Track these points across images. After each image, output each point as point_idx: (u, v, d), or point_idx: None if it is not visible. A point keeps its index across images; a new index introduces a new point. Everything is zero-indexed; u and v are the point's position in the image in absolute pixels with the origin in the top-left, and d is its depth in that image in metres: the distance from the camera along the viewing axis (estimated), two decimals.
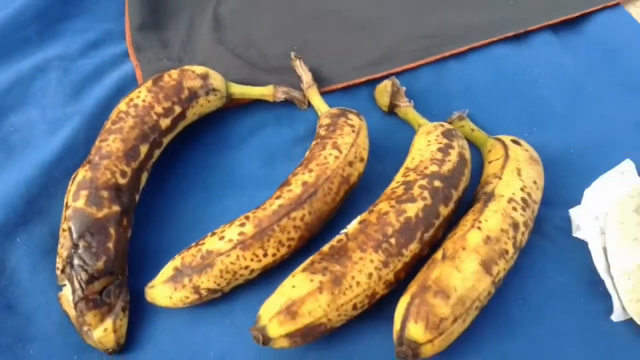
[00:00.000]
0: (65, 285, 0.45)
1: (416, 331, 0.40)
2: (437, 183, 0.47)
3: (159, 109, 0.52)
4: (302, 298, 0.41)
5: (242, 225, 0.45)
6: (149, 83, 0.53)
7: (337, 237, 0.45)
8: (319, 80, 0.62)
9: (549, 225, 0.53)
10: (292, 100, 0.60)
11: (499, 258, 0.44)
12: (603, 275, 0.48)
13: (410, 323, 0.40)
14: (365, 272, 0.42)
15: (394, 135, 0.59)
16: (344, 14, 0.70)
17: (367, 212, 0.46)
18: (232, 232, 0.45)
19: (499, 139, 0.55)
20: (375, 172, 0.54)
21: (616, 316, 0.47)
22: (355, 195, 0.52)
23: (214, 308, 0.46)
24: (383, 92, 0.61)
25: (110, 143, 0.49)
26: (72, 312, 0.44)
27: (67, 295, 0.45)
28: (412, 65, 0.65)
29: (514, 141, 0.55)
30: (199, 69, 0.55)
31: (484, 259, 0.44)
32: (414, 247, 0.44)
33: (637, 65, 0.66)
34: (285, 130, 0.58)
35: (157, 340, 0.45)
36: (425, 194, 0.46)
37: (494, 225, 0.46)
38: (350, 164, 0.49)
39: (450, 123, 0.59)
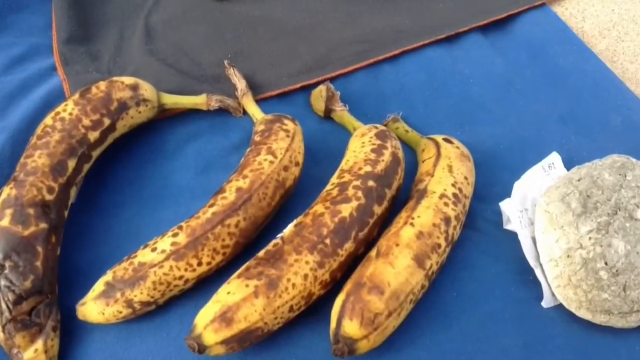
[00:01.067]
0: None
1: (351, 328, 0.41)
2: (370, 183, 0.48)
3: (86, 121, 0.51)
4: (238, 303, 0.41)
5: (175, 235, 0.44)
6: (76, 96, 0.52)
7: (273, 241, 0.45)
8: (254, 87, 0.62)
9: (481, 219, 0.54)
10: (226, 108, 0.60)
11: (431, 252, 0.45)
12: (532, 263, 0.50)
13: (346, 320, 0.41)
14: (300, 273, 0.42)
15: (331, 139, 0.60)
16: (277, 21, 0.70)
17: (302, 215, 0.46)
18: (164, 242, 0.44)
19: (431, 139, 0.57)
20: (312, 177, 0.54)
21: (546, 302, 0.49)
22: (292, 200, 0.52)
23: (149, 321, 0.45)
24: (318, 97, 0.61)
25: (36, 159, 0.48)
26: (0, 335, 0.43)
27: None
28: (346, 70, 0.66)
29: (445, 139, 0.56)
30: (128, 80, 0.54)
31: (416, 253, 0.44)
32: (349, 246, 0.45)
33: (561, 62, 0.69)
34: (220, 139, 0.58)
35: (91, 358, 0.43)
36: (359, 194, 0.47)
37: (426, 221, 0.47)
38: (286, 168, 0.49)
39: (385, 125, 0.60)
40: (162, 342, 0.44)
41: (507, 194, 0.55)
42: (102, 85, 0.53)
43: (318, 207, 0.46)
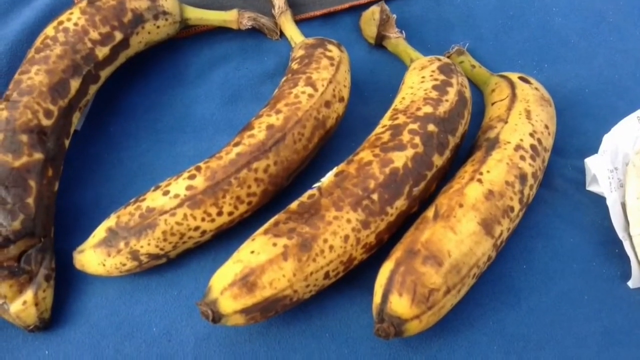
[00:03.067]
0: None
1: (400, 305, 0.33)
2: (431, 127, 0.39)
3: (94, 34, 0.43)
4: (262, 266, 0.33)
5: (192, 177, 0.37)
6: (84, 3, 0.44)
7: (309, 192, 0.37)
8: (294, 5, 0.55)
9: (559, 177, 0.46)
10: (260, 28, 0.53)
11: (502, 216, 0.37)
12: (621, 235, 0.42)
13: (394, 295, 0.33)
14: (340, 234, 0.35)
15: (382, 71, 0.53)
16: None
17: (345, 163, 0.38)
18: (179, 185, 0.37)
19: (504, 77, 0.48)
20: (359, 116, 0.47)
21: (634, 282, 0.41)
22: (334, 143, 0.45)
23: (158, 277, 0.38)
24: (370, 20, 0.53)
25: (33, 76, 0.40)
26: None
27: None
28: None
29: (522, 79, 0.47)
30: None
31: (484, 217, 0.36)
32: (400, 203, 0.37)
33: None
34: (252, 64, 0.51)
35: (89, 314, 0.37)
36: (417, 140, 0.38)
37: (497, 178, 0.38)
38: (327, 104, 0.41)
39: (450, 56, 0.51)
40: (172, 301, 0.37)
41: (592, 148, 0.46)
42: None
43: (365, 154, 0.38)
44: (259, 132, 0.38)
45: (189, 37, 0.52)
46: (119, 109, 0.48)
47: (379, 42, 0.53)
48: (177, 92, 0.49)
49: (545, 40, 0.55)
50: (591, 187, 0.45)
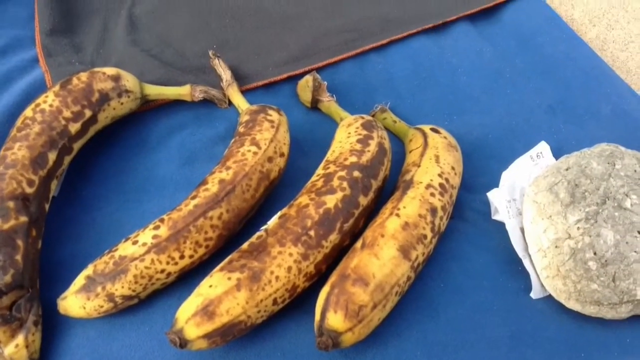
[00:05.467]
0: None
1: (335, 320, 0.40)
2: (356, 173, 0.47)
3: (67, 113, 0.50)
4: (219, 297, 0.40)
5: (157, 228, 0.44)
6: (57, 87, 0.51)
7: (257, 233, 0.44)
8: (240, 78, 0.62)
9: (469, 209, 0.54)
10: (211, 99, 0.59)
11: (417, 243, 0.45)
12: (521, 254, 0.50)
13: (330, 313, 0.40)
14: (284, 266, 0.42)
15: (318, 130, 0.60)
16: (263, 11, 0.69)
17: (287, 207, 0.46)
18: (146, 235, 0.43)
19: (419, 129, 0.56)
20: (299, 168, 0.54)
21: (535, 293, 0.48)
22: (278, 192, 0.52)
23: (131, 315, 0.44)
24: (305, 87, 0.61)
25: (16, 151, 0.47)
26: None
27: None
28: (334, 60, 0.65)
29: (433, 130, 0.55)
30: (110, 71, 0.54)
31: (402, 244, 0.44)
32: (333, 237, 0.44)
33: (550, 51, 0.69)
34: (205, 129, 0.57)
35: (73, 353, 0.43)
36: (345, 184, 0.46)
37: (411, 212, 0.46)
38: (270, 159, 0.49)
39: (373, 116, 0.60)
40: (144, 336, 0.43)
41: (494, 184, 0.54)
42: (83, 76, 0.52)
43: (303, 199, 0.46)
44: (212, 186, 0.46)
45: (149, 110, 0.58)
46: (90, 175, 0.53)
47: (314, 105, 0.61)
48: (140, 158, 0.55)
49: (454, 96, 0.63)
50: (495, 217, 0.54)
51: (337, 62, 0.65)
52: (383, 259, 0.43)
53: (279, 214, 0.46)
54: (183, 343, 0.39)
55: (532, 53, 0.68)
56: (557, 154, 0.56)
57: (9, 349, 0.41)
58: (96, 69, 0.53)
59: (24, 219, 0.45)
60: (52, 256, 0.47)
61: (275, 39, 0.66)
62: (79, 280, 0.43)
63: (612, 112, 0.63)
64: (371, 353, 0.43)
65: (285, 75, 0.63)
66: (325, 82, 0.60)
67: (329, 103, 0.60)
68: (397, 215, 0.46)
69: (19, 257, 0.43)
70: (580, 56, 0.68)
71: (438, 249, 0.49)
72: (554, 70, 0.66)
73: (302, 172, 0.52)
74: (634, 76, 0.70)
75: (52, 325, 0.44)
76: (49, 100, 0.50)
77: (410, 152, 0.54)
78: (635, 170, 0.50)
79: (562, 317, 0.47)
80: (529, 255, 0.50)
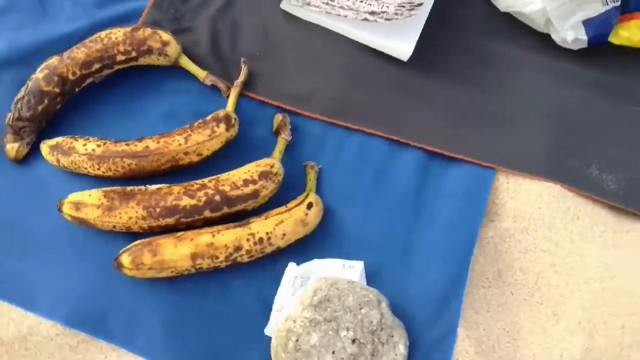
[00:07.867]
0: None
1: (125, 259, 0.68)
2: (217, 197, 0.71)
3: (122, 48, 0.78)
4: (87, 204, 0.70)
5: (99, 146, 0.73)
6: (128, 29, 0.79)
7: (139, 187, 0.72)
8: (251, 85, 0.83)
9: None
10: (218, 88, 0.83)
11: (207, 258, 0.69)
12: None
13: (126, 253, 0.68)
14: (130, 214, 0.70)
15: (264, 152, 0.81)
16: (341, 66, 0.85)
17: (166, 186, 0.72)
18: (91, 145, 0.73)
19: (309, 196, 0.76)
20: (218, 166, 0.75)
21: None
22: (187, 171, 0.76)
23: None
24: (277, 118, 0.81)
25: (79, 52, 0.77)
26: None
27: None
28: (323, 118, 0.81)
29: (309, 204, 0.75)
30: (165, 36, 0.80)
31: (195, 251, 0.69)
32: (169, 221, 0.70)
33: None
34: (197, 104, 0.80)
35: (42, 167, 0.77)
36: (203, 198, 0.71)
37: (223, 239, 0.70)
38: (186, 154, 0.74)
39: (305, 166, 0.80)
40: None
41: None
42: (147, 31, 0.79)
43: (176, 188, 0.71)
44: (140, 145, 0.72)
45: (177, 68, 0.83)
46: (106, 98, 0.82)
47: (276, 134, 0.81)
48: (149, 92, 0.82)
49: None
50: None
51: (328, 123, 0.81)
52: (177, 251, 0.68)
53: (160, 185, 0.72)
54: (60, 207, 0.70)
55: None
56: None
57: (9, 146, 0.76)
58: (158, 30, 0.80)
59: (57, 89, 0.76)
60: (65, 119, 0.79)
61: (311, 86, 0.83)
62: (52, 142, 0.75)
63: None
64: None
65: (276, 103, 0.81)
66: (289, 126, 0.80)
67: (281, 139, 0.80)
68: (213, 235, 0.70)
69: (40, 108, 0.75)
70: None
71: (220, 275, 0.72)
72: None
73: (219, 170, 0.76)
74: None
75: (36, 150, 0.77)
76: (119, 34, 0.78)
77: (287, 207, 0.75)
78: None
79: None
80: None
